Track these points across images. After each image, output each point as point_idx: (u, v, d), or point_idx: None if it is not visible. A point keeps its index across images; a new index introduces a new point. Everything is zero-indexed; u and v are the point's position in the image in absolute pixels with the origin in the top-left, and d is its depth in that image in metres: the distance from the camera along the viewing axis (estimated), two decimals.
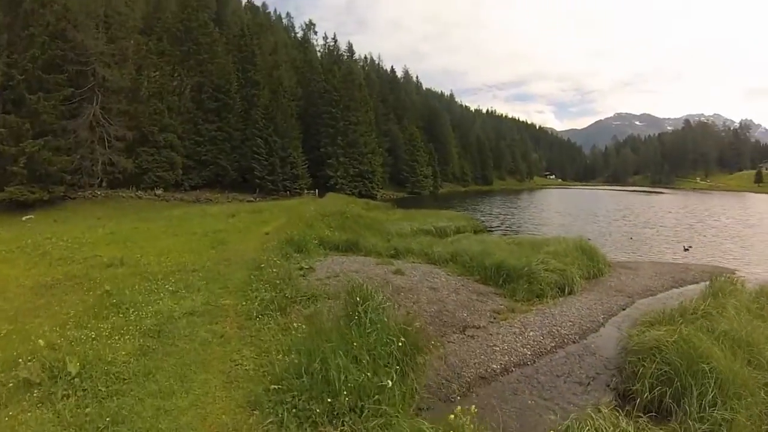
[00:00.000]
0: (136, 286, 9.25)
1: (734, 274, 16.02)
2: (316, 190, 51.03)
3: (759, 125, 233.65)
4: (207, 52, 49.52)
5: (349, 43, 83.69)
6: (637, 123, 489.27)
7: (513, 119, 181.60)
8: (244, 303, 8.25)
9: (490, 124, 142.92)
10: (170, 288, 9.19)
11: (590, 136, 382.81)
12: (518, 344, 8.09)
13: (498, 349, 7.80)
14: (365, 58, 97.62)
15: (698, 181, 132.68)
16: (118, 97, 38.87)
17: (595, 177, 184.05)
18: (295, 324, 7.01)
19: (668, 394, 5.78)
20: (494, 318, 9.49)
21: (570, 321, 9.64)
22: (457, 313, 9.48)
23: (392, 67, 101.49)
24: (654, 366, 6.09)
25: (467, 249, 14.58)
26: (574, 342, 8.63)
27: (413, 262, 14.30)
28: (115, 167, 37.27)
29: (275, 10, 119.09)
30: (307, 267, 11.58)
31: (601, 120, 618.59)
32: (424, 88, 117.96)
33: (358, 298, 7.06)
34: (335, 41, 78.90)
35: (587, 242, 16.03)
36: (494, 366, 7.16)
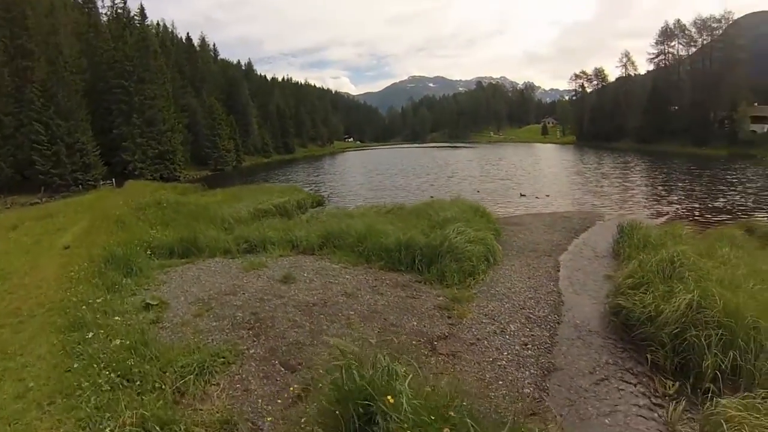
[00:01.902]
0: None
1: (603, 216, 18.43)
2: (113, 180, 46.79)
3: (539, 87, 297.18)
4: None
5: (141, 5, 70.80)
6: (431, 85, 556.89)
7: (311, 86, 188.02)
8: None
9: (288, 91, 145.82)
10: None
11: (386, 98, 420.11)
12: (517, 347, 6.74)
13: (504, 363, 6.26)
14: (158, 24, 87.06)
15: (492, 135, 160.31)
16: None
17: (394, 137, 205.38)
18: None
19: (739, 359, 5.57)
20: (449, 318, 7.92)
21: (530, 298, 8.92)
22: (404, 323, 7.55)
23: (188, 34, 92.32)
24: (711, 333, 5.79)
25: (346, 229, 12.84)
26: (558, 323, 7.85)
27: (281, 256, 11.97)
28: None
29: None
30: (155, 302, 7.77)
31: (396, 83, 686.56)
32: (220, 58, 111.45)
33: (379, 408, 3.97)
34: (125, 3, 66.56)
35: (478, 203, 15.97)
36: (526, 390, 5.58)
